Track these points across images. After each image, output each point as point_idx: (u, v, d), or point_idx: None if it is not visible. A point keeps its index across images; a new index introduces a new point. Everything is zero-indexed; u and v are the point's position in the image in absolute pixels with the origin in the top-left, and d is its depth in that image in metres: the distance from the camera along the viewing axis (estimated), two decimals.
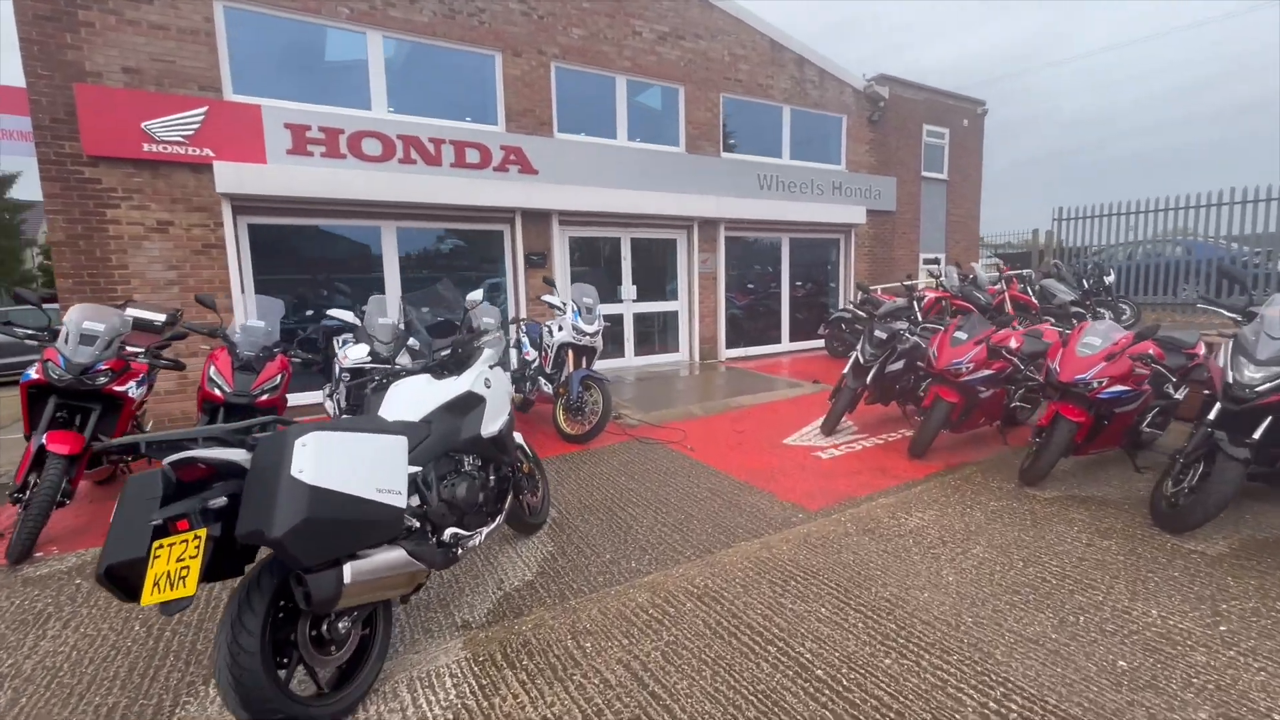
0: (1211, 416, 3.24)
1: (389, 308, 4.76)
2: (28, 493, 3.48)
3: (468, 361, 3.10)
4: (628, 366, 9.15)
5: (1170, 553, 3.10)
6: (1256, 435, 3.08)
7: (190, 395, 5.98)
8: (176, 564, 1.69)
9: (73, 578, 3.19)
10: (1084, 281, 9.26)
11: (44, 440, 3.51)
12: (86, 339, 3.72)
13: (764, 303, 10.81)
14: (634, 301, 9.21)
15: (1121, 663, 2.25)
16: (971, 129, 13.15)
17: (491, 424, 2.96)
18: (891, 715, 2.00)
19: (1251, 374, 3.08)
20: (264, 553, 2.02)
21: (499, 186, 7.58)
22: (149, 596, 1.68)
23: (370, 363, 4.47)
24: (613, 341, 9.10)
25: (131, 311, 4.66)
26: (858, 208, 10.98)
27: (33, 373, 3.62)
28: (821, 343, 10.41)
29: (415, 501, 2.50)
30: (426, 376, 2.91)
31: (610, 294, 8.98)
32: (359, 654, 2.18)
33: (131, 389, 3.95)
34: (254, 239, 6.61)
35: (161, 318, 4.92)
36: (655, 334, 9.71)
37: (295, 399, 6.47)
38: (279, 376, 4.31)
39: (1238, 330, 3.38)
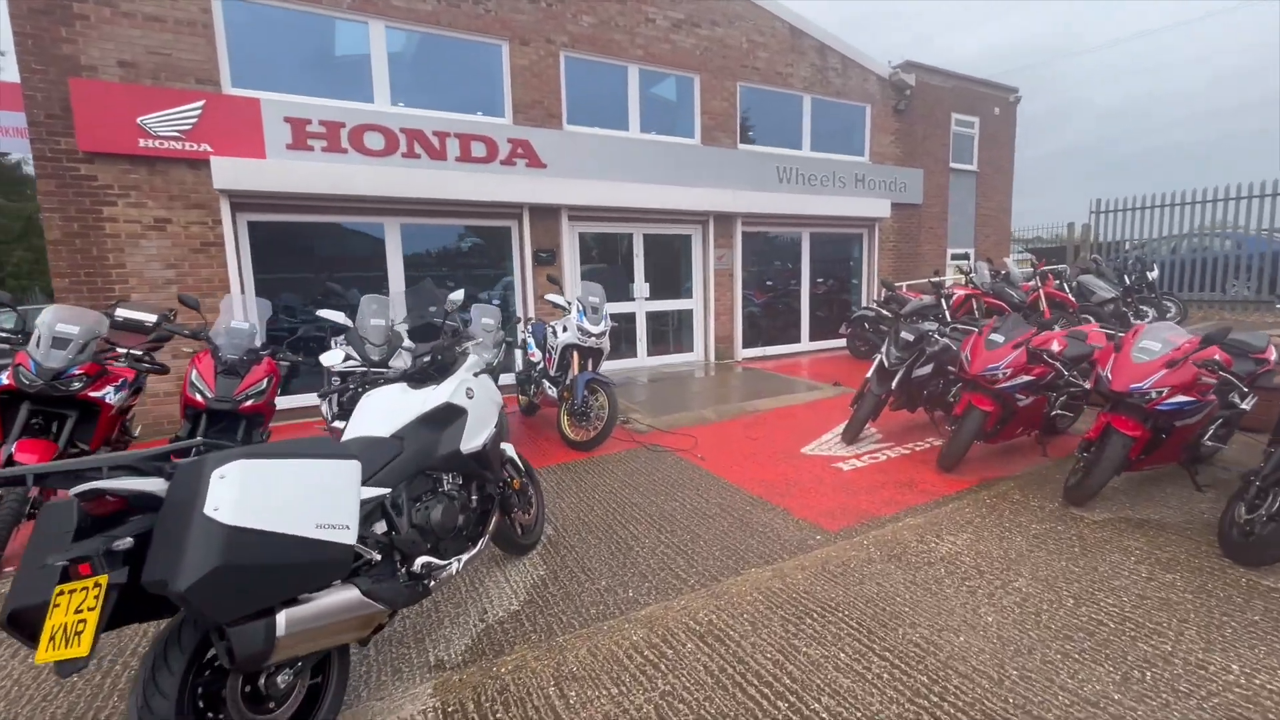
0: None
1: (382, 307, 4.51)
2: None
3: (450, 369, 2.83)
4: (640, 367, 8.85)
5: (1247, 591, 2.70)
6: None
7: None
8: (74, 616, 1.44)
9: None
10: (1125, 277, 8.69)
11: (13, 450, 3.33)
12: (59, 342, 3.53)
13: (783, 300, 10.41)
14: (647, 300, 8.89)
15: None
16: (1003, 118, 12.54)
17: (474, 438, 2.68)
18: None
19: None
20: None
21: (506, 181, 7.32)
22: (44, 652, 1.43)
23: (355, 367, 4.23)
24: (625, 341, 8.80)
25: (122, 312, 4.50)
26: (882, 201, 10.51)
27: (4, 378, 3.44)
28: (843, 342, 9.96)
29: (381, 529, 2.23)
30: (402, 386, 2.64)
31: (622, 292, 8.68)
32: (308, 706, 1.92)
33: (109, 394, 3.76)
34: (254, 237, 6.44)
35: (153, 318, 4.73)
36: (669, 333, 9.38)
37: (296, 401, 6.34)
38: (265, 381, 4.09)
39: None
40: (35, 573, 1.50)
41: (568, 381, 5.33)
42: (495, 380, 5.23)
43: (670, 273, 9.20)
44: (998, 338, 4.18)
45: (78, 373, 3.56)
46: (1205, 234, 10.16)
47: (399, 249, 7.12)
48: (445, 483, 2.61)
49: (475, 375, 2.92)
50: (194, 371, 3.95)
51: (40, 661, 1.44)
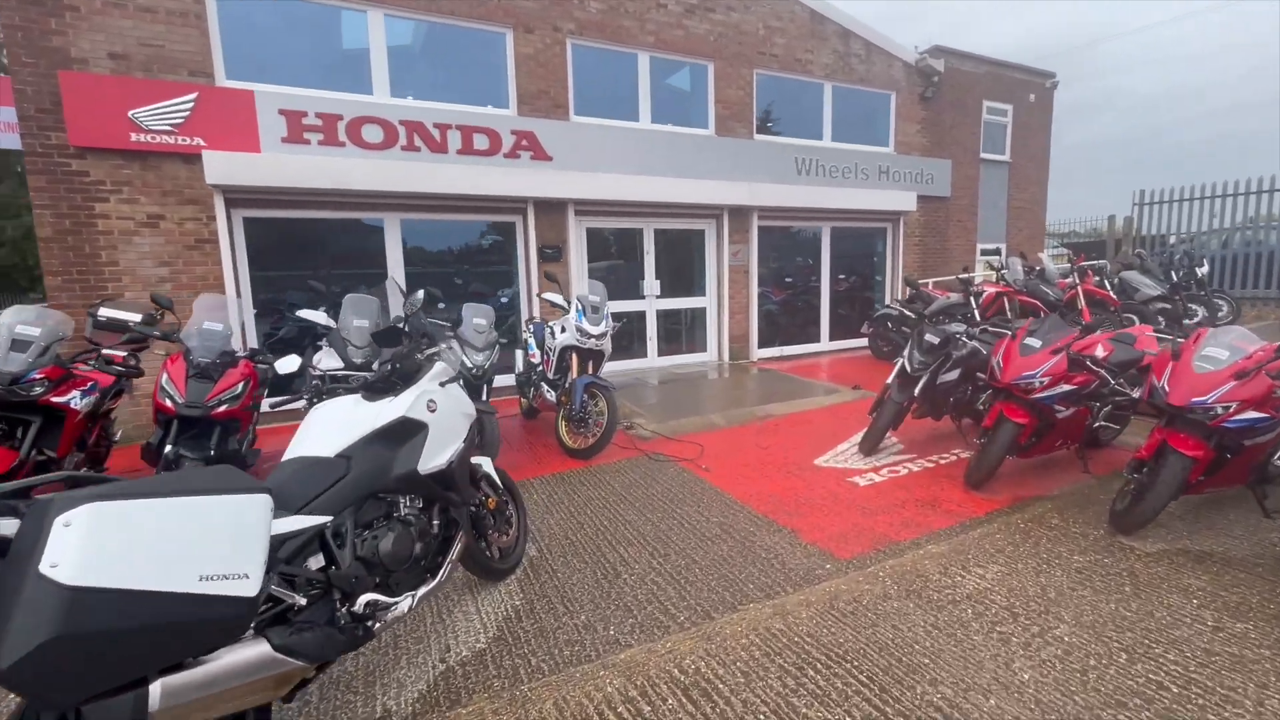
0: None
1: (366, 307, 4.26)
2: None
3: (413, 378, 2.54)
4: (650, 368, 8.52)
5: None
6: None
7: None
8: None
9: None
10: (1173, 274, 8.08)
11: None
12: (19, 345, 3.36)
13: (802, 298, 9.97)
14: (658, 298, 8.55)
15: None
16: (1039, 105, 11.87)
17: (435, 456, 2.39)
18: None
19: None
20: None
21: (510, 174, 7.04)
22: None
23: (338, 369, 3.99)
24: (636, 340, 8.49)
25: (105, 311, 4.33)
26: (907, 193, 9.99)
27: None
28: (865, 342, 9.51)
29: (317, 564, 1.96)
30: (355, 398, 2.36)
31: (632, 290, 8.36)
32: None
33: (75, 399, 3.58)
34: (250, 233, 6.27)
35: (137, 318, 4.55)
36: (682, 332, 9.03)
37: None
38: (241, 385, 3.87)
39: None
40: None
41: (566, 385, 5.04)
42: (490, 384, 5.04)
43: (683, 269, 8.85)
44: (1034, 342, 3.75)
45: (38, 377, 3.37)
46: (1259, 225, 9.44)
47: (399, 245, 6.89)
48: (402, 507, 2.33)
49: (442, 385, 2.64)
50: (164, 375, 3.75)
51: None
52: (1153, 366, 3.28)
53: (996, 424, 3.77)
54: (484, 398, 4.69)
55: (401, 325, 2.65)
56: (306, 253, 6.75)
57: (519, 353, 6.07)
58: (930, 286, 9.42)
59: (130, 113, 5.51)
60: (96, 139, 5.45)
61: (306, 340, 5.34)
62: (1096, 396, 3.87)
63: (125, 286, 5.71)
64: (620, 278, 8.31)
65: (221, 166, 5.72)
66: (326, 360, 4.30)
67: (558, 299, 5.31)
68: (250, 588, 1.49)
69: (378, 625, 2.05)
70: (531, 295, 7.47)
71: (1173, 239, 10.66)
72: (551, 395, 5.20)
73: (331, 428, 2.23)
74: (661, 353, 8.71)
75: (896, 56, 10.00)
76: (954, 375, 4.44)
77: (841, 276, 10.26)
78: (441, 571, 2.39)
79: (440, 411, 2.48)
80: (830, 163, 9.36)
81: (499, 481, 3.05)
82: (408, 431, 2.33)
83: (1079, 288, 7.68)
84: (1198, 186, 10.33)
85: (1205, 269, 8.26)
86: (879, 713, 2.00)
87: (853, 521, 3.53)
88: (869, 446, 4.66)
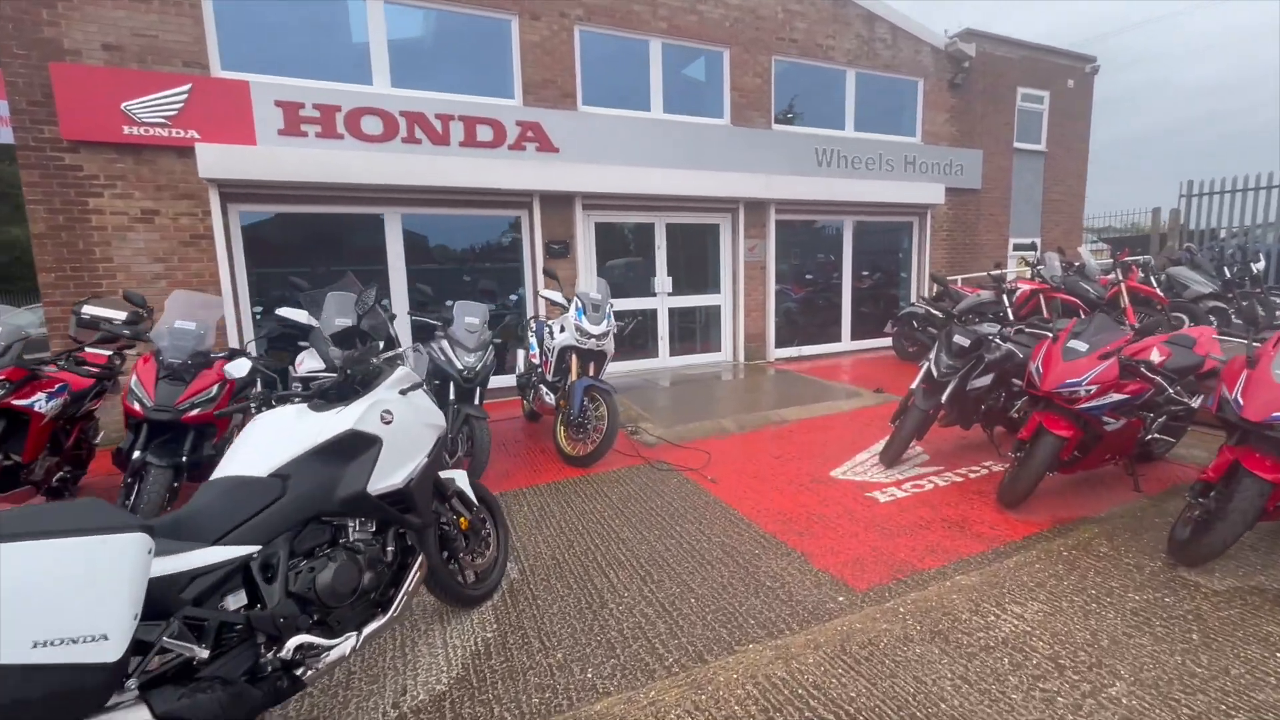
0: None
1: (348, 305, 4.01)
2: None
3: (370, 385, 2.27)
4: (662, 368, 8.19)
5: None
6: None
7: None
8: None
9: None
10: (1225, 269, 7.48)
11: None
12: None
13: (823, 295, 9.54)
14: (670, 295, 8.21)
15: None
16: (1078, 91, 11.21)
17: (390, 474, 2.12)
18: None
19: None
20: None
21: (514, 166, 6.77)
22: None
23: (320, 372, 3.74)
24: (648, 339, 8.17)
25: (89, 310, 4.15)
26: (935, 185, 9.48)
27: None
28: (889, 342, 9.06)
29: (237, 603, 1.69)
30: (299, 408, 2.09)
31: (643, 286, 8.04)
32: None
33: (40, 402, 3.39)
34: (246, 229, 6.11)
35: (121, 316, 4.37)
36: (695, 331, 8.68)
37: None
38: (215, 388, 3.64)
39: None
40: None
41: (565, 387, 4.75)
42: (485, 386, 4.77)
43: (696, 265, 8.49)
44: (1080, 345, 3.33)
45: None
46: None
47: (400, 241, 6.68)
48: (350, 532, 2.05)
49: (403, 393, 2.36)
50: (134, 377, 3.54)
51: None
52: (1222, 375, 2.85)
53: (1035, 437, 3.36)
54: (477, 401, 4.43)
55: (356, 324, 2.38)
56: (304, 249, 6.56)
57: (520, 353, 5.80)
58: (959, 284, 8.92)
59: (123, 105, 5.37)
60: (89, 132, 5.31)
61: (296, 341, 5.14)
62: (1150, 407, 3.45)
63: (120, 284, 5.58)
64: (632, 274, 8.00)
65: (215, 160, 5.55)
66: (309, 362, 4.07)
67: (556, 296, 5.02)
68: (109, 651, 1.22)
69: (309, 673, 1.78)
70: (537, 293, 7.20)
71: (1223, 233, 9.99)
72: (550, 398, 4.92)
73: (267, 443, 1.96)
74: (674, 352, 8.38)
75: (925, 41, 9.49)
76: (986, 380, 4.03)
77: (865, 273, 9.79)
78: (394, 605, 2.11)
79: (397, 423, 2.20)
80: (853, 153, 8.91)
81: (474, 498, 2.77)
82: (357, 447, 2.06)
83: (1122, 284, 7.14)
84: (1251, 176, 9.64)
85: (1261, 264, 7.63)
86: None
87: (870, 544, 3.17)
88: (891, 457, 4.28)
